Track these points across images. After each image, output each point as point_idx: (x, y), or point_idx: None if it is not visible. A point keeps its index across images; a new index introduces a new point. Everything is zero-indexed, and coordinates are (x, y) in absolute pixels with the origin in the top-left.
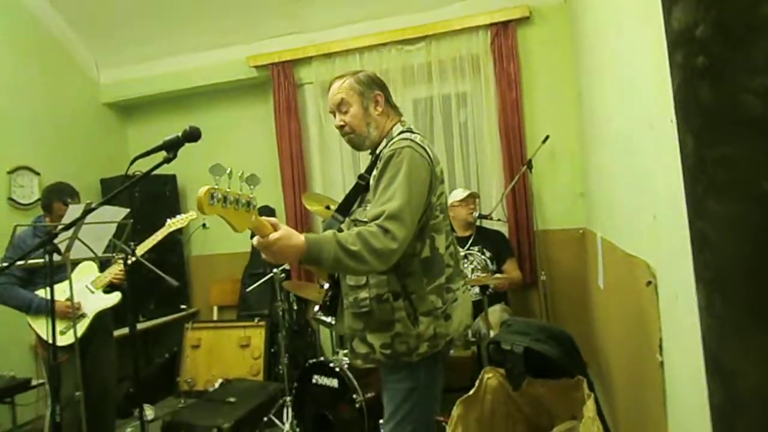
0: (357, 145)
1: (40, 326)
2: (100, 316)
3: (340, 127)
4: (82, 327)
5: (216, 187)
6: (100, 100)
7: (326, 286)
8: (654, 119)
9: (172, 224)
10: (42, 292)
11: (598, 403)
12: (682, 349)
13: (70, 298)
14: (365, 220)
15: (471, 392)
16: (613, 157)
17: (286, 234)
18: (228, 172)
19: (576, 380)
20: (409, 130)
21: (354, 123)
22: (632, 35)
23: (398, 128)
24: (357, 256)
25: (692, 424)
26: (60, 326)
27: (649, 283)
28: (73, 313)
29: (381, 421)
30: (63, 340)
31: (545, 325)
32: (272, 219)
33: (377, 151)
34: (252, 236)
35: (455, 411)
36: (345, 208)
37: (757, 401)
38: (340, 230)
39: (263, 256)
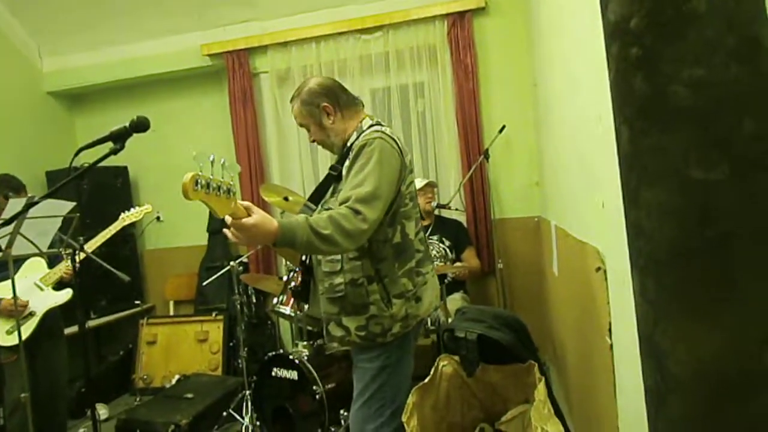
0: (331, 151)
1: None
2: (50, 315)
3: (312, 141)
4: (30, 326)
5: (200, 174)
6: (44, 89)
7: (285, 278)
8: (600, 110)
9: (127, 218)
10: None
11: (550, 386)
12: (629, 332)
13: (13, 296)
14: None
15: (426, 380)
16: (564, 147)
17: (260, 219)
18: (211, 159)
19: (528, 365)
20: (378, 123)
21: (318, 137)
22: (580, 27)
23: (368, 122)
24: (328, 239)
25: (639, 402)
26: (6, 326)
27: (599, 269)
28: (16, 312)
29: (342, 411)
30: (9, 340)
31: (498, 312)
32: (246, 203)
33: (348, 143)
34: (209, 228)
35: (411, 398)
36: (317, 197)
37: (687, 381)
38: None
39: (231, 237)
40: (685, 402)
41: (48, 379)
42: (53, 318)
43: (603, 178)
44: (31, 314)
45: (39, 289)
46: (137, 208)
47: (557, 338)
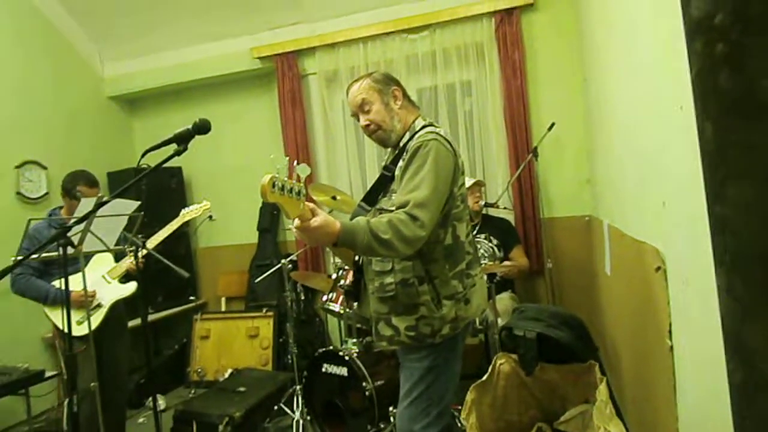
0: (384, 141)
1: (57, 317)
2: (116, 307)
3: (366, 126)
4: (98, 317)
5: (276, 176)
6: (105, 94)
7: (334, 276)
8: (662, 106)
9: (187, 214)
10: (58, 283)
11: (610, 387)
12: (691, 333)
13: (84, 289)
14: (391, 209)
15: (484, 377)
16: (621, 144)
17: (324, 221)
18: (286, 160)
19: (588, 365)
20: (431, 124)
21: (378, 119)
22: (642, 23)
23: (420, 122)
24: (387, 244)
25: (702, 406)
26: (76, 316)
27: (659, 268)
28: (86, 302)
29: (391, 408)
30: (80, 331)
31: (557, 311)
32: (311, 205)
33: (401, 144)
34: (258, 227)
35: (469, 396)
36: (371, 198)
37: None
38: None
39: (298, 236)
40: None
41: (112, 369)
42: (119, 310)
43: (665, 177)
44: (99, 306)
45: (106, 282)
46: (196, 204)
47: (609, 339)
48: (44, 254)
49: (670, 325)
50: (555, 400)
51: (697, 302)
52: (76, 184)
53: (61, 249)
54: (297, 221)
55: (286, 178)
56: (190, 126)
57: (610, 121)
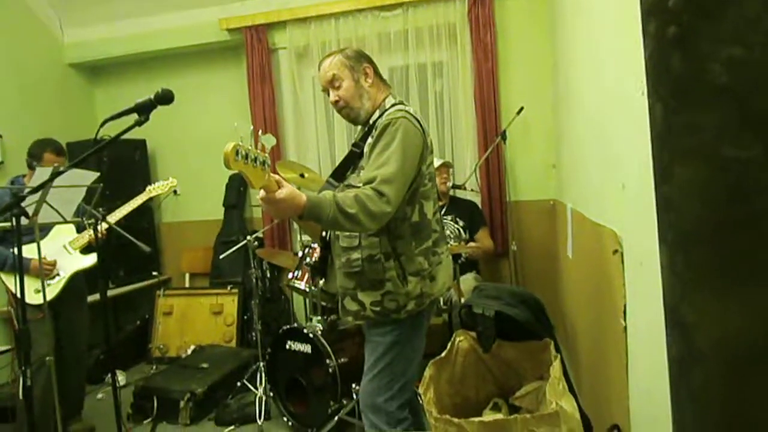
0: (353, 119)
1: (13, 283)
2: (75, 278)
3: (335, 102)
4: (57, 286)
5: (240, 144)
6: (65, 61)
7: (300, 254)
8: (624, 91)
9: (153, 190)
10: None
11: (564, 364)
12: (643, 314)
13: (39, 259)
14: (358, 185)
15: (443, 354)
16: (585, 130)
17: (290, 193)
18: (250, 129)
19: (543, 342)
20: (401, 103)
21: (347, 96)
22: (607, 9)
23: (390, 100)
24: (353, 218)
25: (650, 382)
26: (34, 285)
27: (616, 251)
28: (41, 272)
29: (354, 385)
30: (36, 299)
31: (515, 290)
32: (277, 176)
33: (371, 121)
34: (224, 203)
35: (427, 372)
36: (340, 174)
37: (713, 351)
38: None
39: (264, 208)
40: (709, 373)
41: (69, 340)
42: (78, 281)
43: (625, 161)
44: (59, 275)
45: (67, 252)
46: (162, 181)
47: (569, 320)
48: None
49: (625, 306)
50: (511, 376)
51: (650, 283)
52: (42, 151)
53: (14, 219)
54: (262, 192)
55: (250, 147)
56: (152, 96)
57: (576, 106)
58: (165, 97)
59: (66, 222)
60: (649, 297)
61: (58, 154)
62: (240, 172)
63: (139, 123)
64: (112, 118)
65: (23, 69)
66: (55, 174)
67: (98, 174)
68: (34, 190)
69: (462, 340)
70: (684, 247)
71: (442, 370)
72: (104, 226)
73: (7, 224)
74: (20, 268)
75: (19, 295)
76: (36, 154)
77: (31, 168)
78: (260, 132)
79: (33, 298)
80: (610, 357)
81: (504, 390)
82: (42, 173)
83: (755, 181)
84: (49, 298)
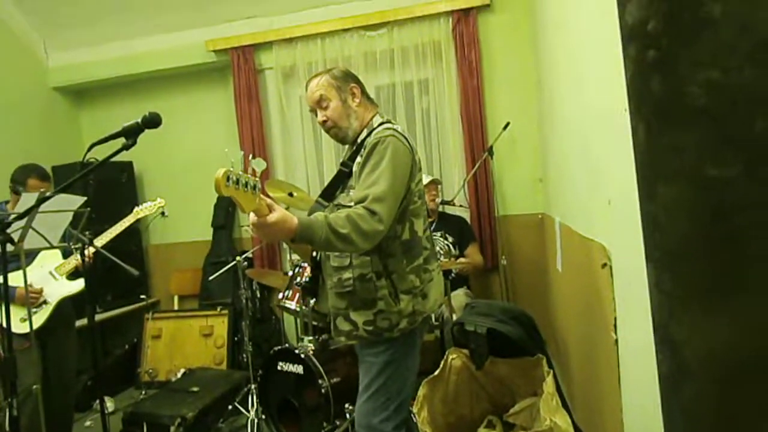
0: (341, 138)
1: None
2: (63, 304)
3: (323, 122)
4: (44, 314)
5: (231, 170)
6: (50, 84)
7: (290, 273)
8: (608, 108)
9: (140, 212)
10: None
11: (557, 379)
12: (634, 327)
13: (25, 287)
14: (349, 204)
15: (436, 372)
16: (570, 144)
17: (281, 217)
18: (241, 154)
19: (536, 358)
20: (389, 121)
21: (335, 116)
22: (589, 28)
23: (378, 119)
24: (346, 238)
25: (643, 395)
26: (20, 313)
27: (605, 265)
28: (27, 300)
29: (347, 405)
30: (23, 328)
31: (507, 307)
32: (268, 200)
33: (359, 141)
34: (213, 223)
35: (421, 391)
36: (329, 193)
37: (702, 367)
38: None
39: (253, 232)
40: (699, 388)
41: (57, 369)
42: (66, 307)
43: (610, 176)
44: (45, 303)
45: (53, 279)
46: (150, 202)
47: (560, 334)
48: None
49: (615, 319)
50: (505, 393)
51: (639, 297)
52: (27, 177)
53: None
54: (253, 216)
55: (241, 172)
56: (139, 119)
57: (560, 122)
58: (152, 121)
59: (53, 247)
60: (639, 309)
61: (43, 179)
62: (231, 198)
63: (126, 147)
64: (100, 142)
65: (7, 93)
66: (42, 199)
67: (85, 198)
68: (20, 216)
69: (455, 357)
70: (670, 265)
71: (435, 388)
72: (91, 250)
73: None
74: (6, 296)
75: (4, 324)
76: (20, 179)
77: (16, 193)
78: (251, 156)
79: (19, 327)
80: (602, 371)
81: (498, 407)
82: (28, 199)
83: (737, 199)
84: (35, 326)
